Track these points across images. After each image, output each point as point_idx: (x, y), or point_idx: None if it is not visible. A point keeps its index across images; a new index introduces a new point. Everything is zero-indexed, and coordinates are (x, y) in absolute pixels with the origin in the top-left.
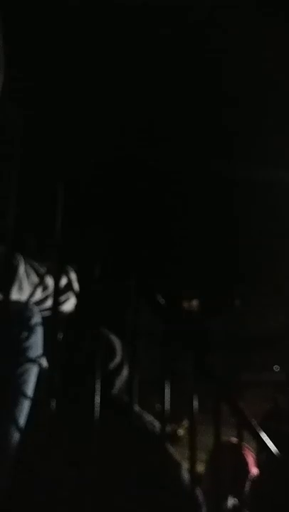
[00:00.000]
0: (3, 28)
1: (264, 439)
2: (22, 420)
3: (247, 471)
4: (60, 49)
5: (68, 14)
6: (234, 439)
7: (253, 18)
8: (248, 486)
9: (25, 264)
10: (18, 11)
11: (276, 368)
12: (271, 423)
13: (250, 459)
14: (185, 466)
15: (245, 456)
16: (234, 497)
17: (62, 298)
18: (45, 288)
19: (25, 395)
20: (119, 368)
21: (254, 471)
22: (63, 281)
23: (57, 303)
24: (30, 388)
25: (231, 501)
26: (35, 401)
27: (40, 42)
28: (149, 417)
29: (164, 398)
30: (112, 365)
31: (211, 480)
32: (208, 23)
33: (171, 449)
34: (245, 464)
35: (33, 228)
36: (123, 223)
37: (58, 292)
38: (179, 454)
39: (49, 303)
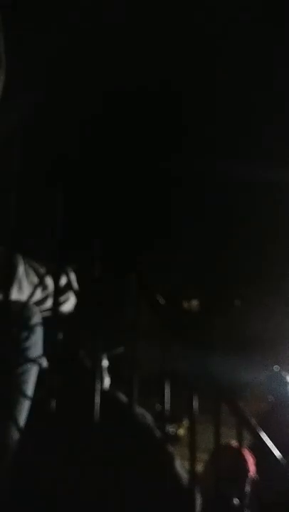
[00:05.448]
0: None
1: (264, 439)
2: (22, 420)
3: (247, 471)
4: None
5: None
6: (234, 442)
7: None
8: (248, 486)
9: (25, 264)
10: (17, 10)
11: (276, 368)
12: (270, 423)
13: (250, 460)
14: (185, 465)
15: (245, 458)
16: (235, 497)
17: (62, 298)
18: (44, 288)
19: (25, 395)
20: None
21: (253, 471)
22: (63, 281)
23: (57, 303)
24: (30, 388)
25: (233, 501)
26: (35, 401)
27: (39, 42)
28: (148, 418)
29: (164, 398)
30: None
31: (211, 480)
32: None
33: (171, 449)
34: (246, 465)
35: (33, 228)
36: (123, 223)
37: (58, 292)
38: (179, 454)
39: (49, 303)
